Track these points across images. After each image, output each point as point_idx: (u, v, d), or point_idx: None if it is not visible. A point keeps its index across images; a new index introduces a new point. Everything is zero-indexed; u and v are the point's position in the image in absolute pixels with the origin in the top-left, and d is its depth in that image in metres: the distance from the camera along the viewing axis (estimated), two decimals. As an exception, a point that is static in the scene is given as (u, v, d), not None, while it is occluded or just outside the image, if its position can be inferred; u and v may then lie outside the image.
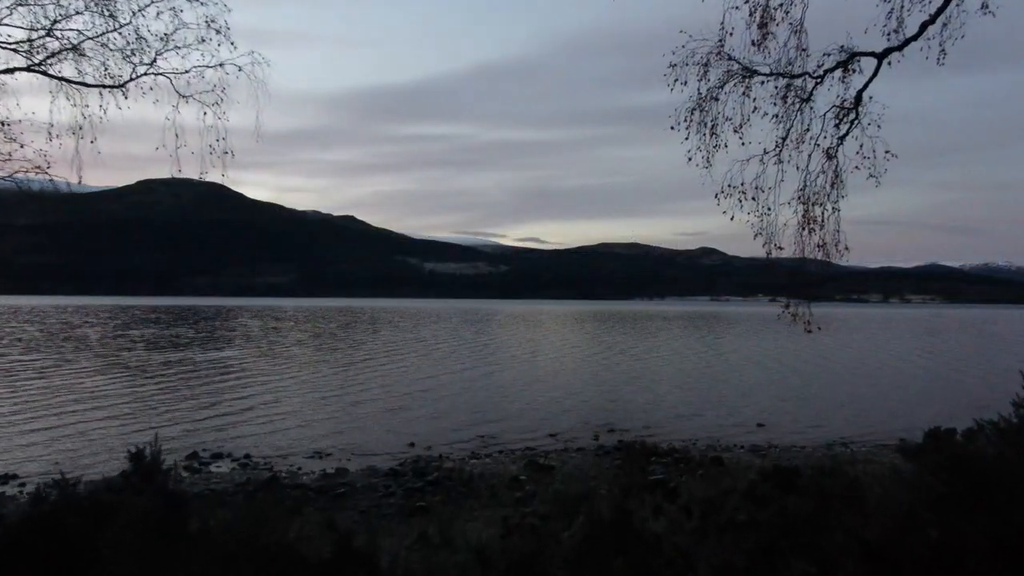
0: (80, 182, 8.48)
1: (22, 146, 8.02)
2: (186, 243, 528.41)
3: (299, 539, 3.67)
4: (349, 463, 17.03)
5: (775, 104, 7.99)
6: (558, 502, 6.85)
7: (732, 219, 8.12)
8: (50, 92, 8.23)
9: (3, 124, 8.04)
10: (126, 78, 8.42)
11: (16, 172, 7.99)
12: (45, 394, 27.79)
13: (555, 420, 23.70)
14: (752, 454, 18.24)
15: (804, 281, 8.67)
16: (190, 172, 9.00)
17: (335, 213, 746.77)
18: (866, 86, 7.68)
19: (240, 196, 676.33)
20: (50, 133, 8.13)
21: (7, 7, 7.89)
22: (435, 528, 5.58)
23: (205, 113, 8.70)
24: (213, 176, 9.01)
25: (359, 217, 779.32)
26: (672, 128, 8.00)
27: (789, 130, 8.09)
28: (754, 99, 7.96)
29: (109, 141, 8.68)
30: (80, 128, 8.31)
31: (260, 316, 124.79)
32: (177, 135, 8.69)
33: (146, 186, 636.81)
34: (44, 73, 8.17)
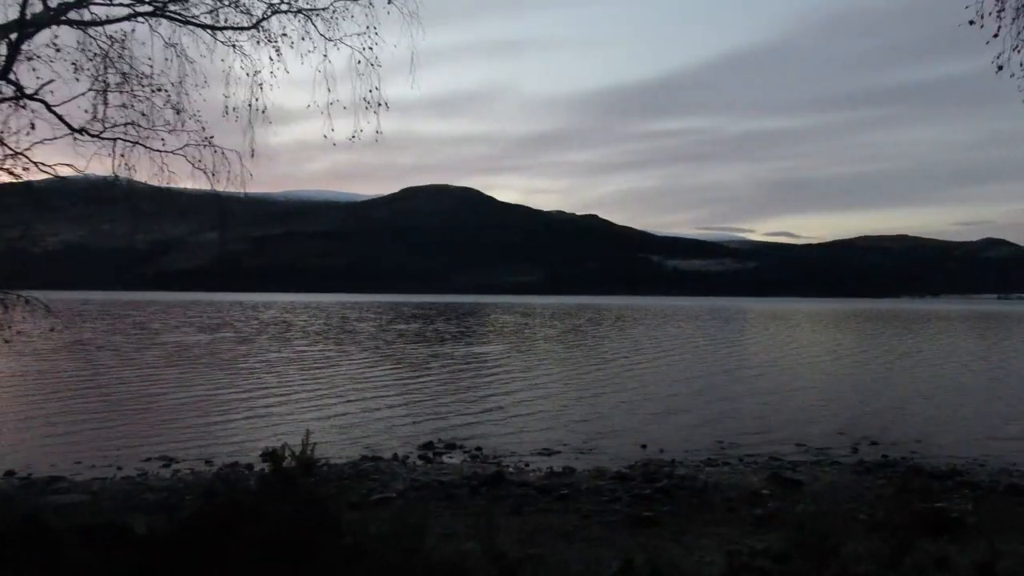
0: (252, 155, 7.88)
1: (178, 112, 7.62)
2: (444, 244, 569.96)
3: (454, 570, 3.02)
4: (577, 462, 16.51)
5: None
6: (802, 530, 5.61)
7: None
8: (222, 60, 7.57)
9: (159, 89, 7.67)
10: (259, 16, 7.60)
11: (186, 145, 7.86)
12: (315, 381, 30.86)
13: (806, 427, 21.32)
14: (1065, 484, 14.77)
15: None
16: (343, 129, 8.25)
17: (578, 212, 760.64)
18: None
19: (491, 199, 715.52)
20: (226, 106, 7.68)
21: None
22: (643, 558, 4.70)
23: (359, 61, 7.90)
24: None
25: (602, 216, 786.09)
26: (971, 23, 5.78)
27: None
28: None
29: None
30: (255, 102, 7.72)
31: (511, 312, 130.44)
32: (329, 89, 8.00)
33: (409, 193, 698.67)
34: (166, 15, 7.36)
